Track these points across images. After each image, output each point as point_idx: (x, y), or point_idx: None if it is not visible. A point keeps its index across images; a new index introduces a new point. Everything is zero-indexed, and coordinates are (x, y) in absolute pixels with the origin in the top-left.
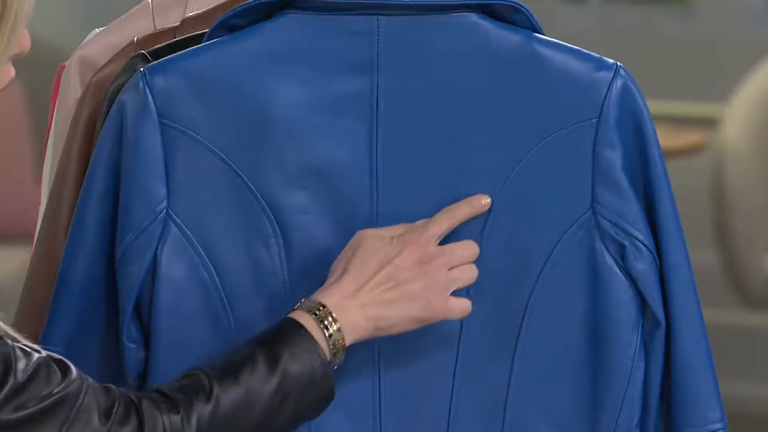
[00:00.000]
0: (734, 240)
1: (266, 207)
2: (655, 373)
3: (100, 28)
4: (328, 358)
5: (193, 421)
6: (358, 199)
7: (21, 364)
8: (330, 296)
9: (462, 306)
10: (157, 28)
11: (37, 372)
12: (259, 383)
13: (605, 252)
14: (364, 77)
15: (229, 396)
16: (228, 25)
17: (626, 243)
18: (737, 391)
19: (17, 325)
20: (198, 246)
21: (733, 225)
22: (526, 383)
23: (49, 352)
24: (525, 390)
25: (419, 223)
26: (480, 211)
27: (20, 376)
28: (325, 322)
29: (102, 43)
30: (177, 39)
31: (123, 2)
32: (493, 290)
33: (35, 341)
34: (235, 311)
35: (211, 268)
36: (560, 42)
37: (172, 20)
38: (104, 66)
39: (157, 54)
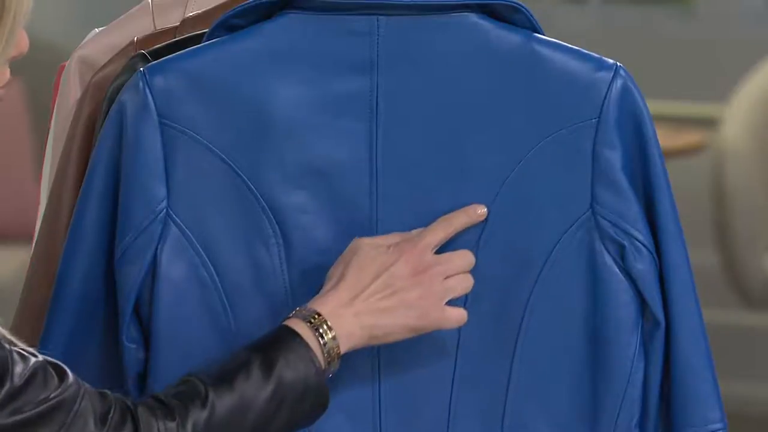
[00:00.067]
0: (734, 240)
1: (266, 207)
2: (654, 373)
3: (100, 28)
4: (323, 366)
5: (189, 427)
6: (358, 199)
7: (18, 368)
8: (325, 304)
9: (457, 315)
10: (157, 28)
11: (34, 376)
12: (254, 390)
13: (605, 252)
14: (364, 77)
15: (224, 402)
16: (228, 25)
17: (626, 243)
18: (737, 391)
19: (17, 325)
20: (198, 246)
21: (733, 225)
22: (526, 383)
23: (46, 357)
24: (524, 390)
25: (415, 232)
26: (476, 221)
27: (17, 381)
28: (320, 330)
29: (102, 43)
30: (177, 39)
31: (123, 2)
32: (493, 290)
33: (35, 341)
34: (235, 311)
35: (211, 268)
36: (560, 42)
37: (172, 20)
38: (104, 66)
39: (157, 54)
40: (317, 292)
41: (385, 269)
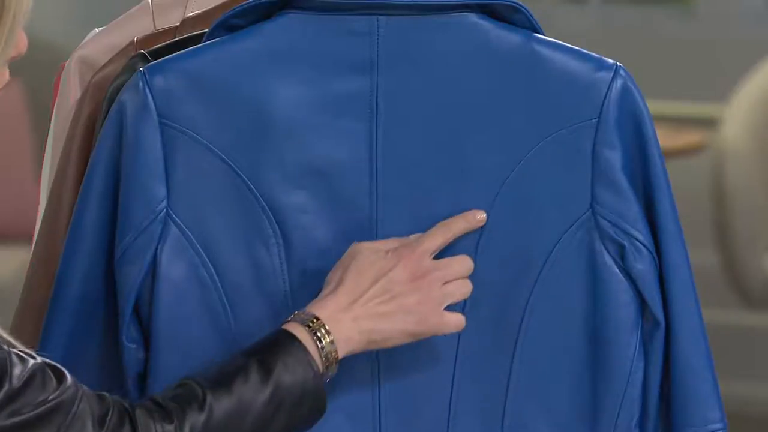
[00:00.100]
0: (734, 240)
1: (266, 207)
2: (654, 373)
3: (100, 28)
4: (321, 370)
5: (186, 430)
6: (358, 199)
7: (17, 370)
8: (324, 309)
9: (456, 320)
10: (157, 28)
11: (32, 378)
12: (252, 393)
13: (605, 252)
14: (363, 77)
15: (222, 405)
16: (227, 25)
17: (626, 243)
18: (737, 391)
19: (17, 326)
20: (198, 246)
21: (733, 225)
22: (526, 383)
23: (45, 359)
24: (524, 390)
25: (414, 237)
26: (475, 227)
27: (15, 382)
28: (318, 334)
29: (102, 43)
30: (177, 39)
31: (123, 2)
32: (493, 290)
33: (35, 341)
34: (235, 311)
35: (211, 268)
36: (560, 42)
37: (172, 20)
38: (104, 66)
39: (157, 54)
40: (317, 292)
41: (383, 274)
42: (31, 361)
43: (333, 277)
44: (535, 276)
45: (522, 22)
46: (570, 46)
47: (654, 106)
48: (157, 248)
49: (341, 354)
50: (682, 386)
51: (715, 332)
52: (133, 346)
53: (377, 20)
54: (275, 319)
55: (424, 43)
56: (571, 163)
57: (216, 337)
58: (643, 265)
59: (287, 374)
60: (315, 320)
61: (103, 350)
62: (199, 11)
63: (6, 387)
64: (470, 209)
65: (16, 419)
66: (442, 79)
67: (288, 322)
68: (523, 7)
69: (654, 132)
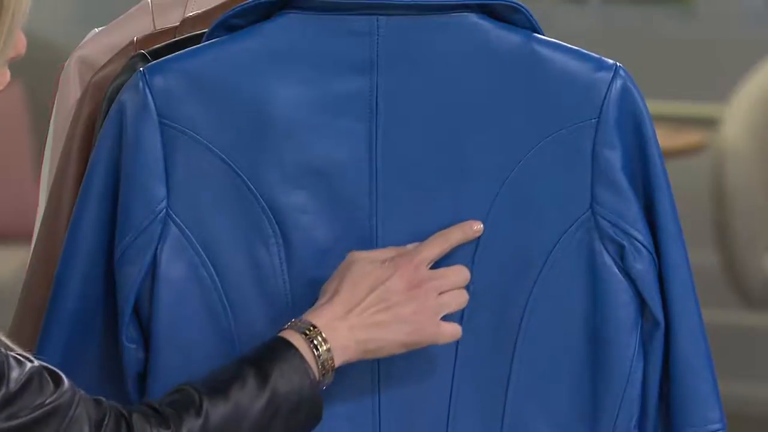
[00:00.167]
0: (734, 240)
1: (266, 207)
2: (654, 373)
3: (100, 28)
4: (318, 378)
5: None
6: (358, 199)
7: (14, 374)
8: (320, 317)
9: (452, 330)
10: (157, 28)
11: (29, 381)
12: (248, 399)
13: (604, 252)
14: (363, 77)
15: (218, 411)
16: (227, 25)
17: (625, 243)
18: (737, 391)
19: (17, 326)
20: (198, 246)
21: (733, 225)
22: (526, 383)
23: (42, 362)
24: (524, 390)
25: (411, 246)
26: (472, 237)
27: (13, 386)
28: (315, 342)
29: (101, 43)
30: (176, 39)
31: (123, 2)
32: (492, 290)
33: (35, 342)
34: (235, 311)
35: (211, 268)
36: (560, 42)
37: (172, 20)
38: (104, 66)
39: (156, 54)
40: (317, 292)
41: (380, 283)
42: (29, 365)
43: (329, 286)
44: (535, 276)
45: (522, 22)
46: (570, 46)
47: (654, 106)
48: (156, 248)
49: (337, 362)
50: (681, 386)
51: (715, 332)
52: (133, 346)
53: (377, 20)
54: (275, 319)
55: (424, 43)
56: (571, 163)
57: (216, 337)
58: (642, 265)
59: (284, 381)
60: (312, 328)
61: (102, 350)
62: (199, 11)
63: (3, 390)
64: (470, 209)
65: (13, 422)
66: (442, 79)
67: (285, 329)
68: (523, 7)
69: (654, 132)
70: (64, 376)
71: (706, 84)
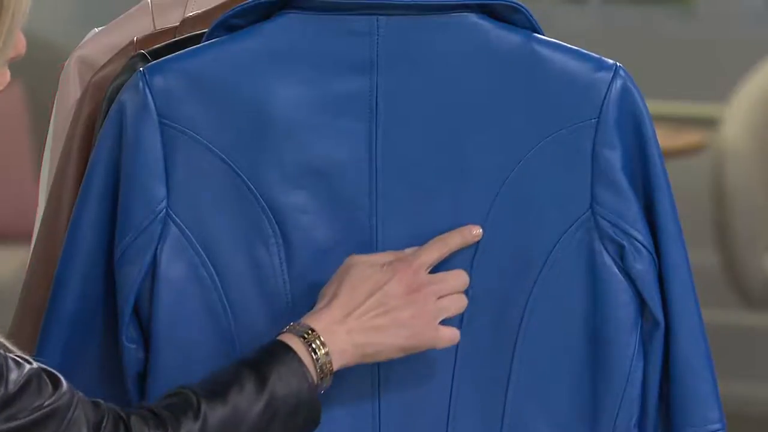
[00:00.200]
0: (734, 240)
1: (266, 207)
2: (653, 373)
3: (100, 28)
4: (316, 382)
5: None
6: (358, 199)
7: (13, 375)
8: (319, 321)
9: (450, 335)
10: (157, 28)
11: (28, 383)
12: (246, 403)
13: (604, 252)
14: (363, 77)
15: (216, 414)
16: (227, 25)
17: (625, 243)
18: (737, 391)
19: (16, 326)
20: (198, 246)
21: (733, 225)
22: (526, 383)
23: (41, 364)
24: (524, 390)
25: (410, 250)
26: (471, 242)
27: (11, 387)
28: (313, 346)
29: (101, 43)
30: (176, 39)
31: (123, 2)
32: (492, 290)
33: (34, 342)
34: (235, 311)
35: (211, 268)
36: (560, 42)
37: (172, 20)
38: (104, 66)
39: (156, 54)
40: (317, 292)
41: (378, 288)
42: (27, 366)
43: (328, 289)
44: (535, 276)
45: (522, 22)
46: (570, 46)
47: (654, 106)
48: (156, 248)
49: (335, 366)
50: (681, 386)
51: (715, 332)
52: (133, 346)
53: (377, 20)
54: (275, 319)
55: (424, 43)
56: (570, 163)
57: (216, 337)
58: (642, 265)
59: (282, 385)
60: (310, 332)
61: (102, 350)
62: (199, 11)
63: (2, 392)
64: (470, 209)
65: (12, 424)
66: (442, 79)
67: (283, 333)
68: (523, 7)
69: (654, 132)
70: (62, 379)
71: (706, 84)
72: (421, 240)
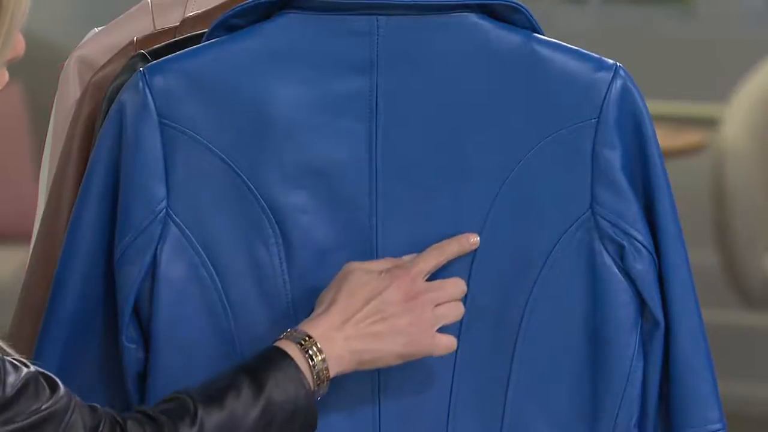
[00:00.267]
0: (734, 240)
1: (266, 207)
2: (653, 373)
3: (100, 28)
4: (313, 388)
5: None
6: (358, 199)
7: (10, 379)
8: (316, 327)
9: (447, 342)
10: (157, 28)
11: (26, 387)
12: (243, 408)
13: (604, 252)
14: (363, 77)
15: (213, 420)
16: (227, 25)
17: (625, 243)
18: (737, 391)
19: (16, 327)
20: (198, 246)
21: (733, 225)
22: (526, 383)
23: (38, 368)
24: (524, 390)
25: (408, 258)
26: (468, 250)
27: (9, 390)
28: (310, 352)
29: (101, 43)
30: (177, 39)
31: (123, 2)
32: (492, 290)
33: (33, 343)
34: (235, 311)
35: (211, 268)
36: (560, 42)
37: (172, 20)
38: (103, 66)
39: (156, 54)
40: (317, 293)
41: (376, 294)
42: (25, 370)
43: (326, 296)
44: (535, 276)
45: (522, 22)
46: (570, 46)
47: (654, 106)
48: (156, 248)
49: (333, 373)
50: (681, 386)
51: (715, 332)
52: (133, 346)
53: (377, 20)
54: (275, 319)
55: (424, 43)
56: (570, 163)
57: (216, 337)
58: (642, 265)
59: (279, 391)
60: (307, 338)
61: (102, 350)
62: (199, 11)
63: None
64: (470, 209)
65: (9, 428)
66: (441, 79)
67: (280, 339)
68: (523, 7)
69: (654, 132)
70: (60, 382)
71: (706, 84)
72: (420, 240)
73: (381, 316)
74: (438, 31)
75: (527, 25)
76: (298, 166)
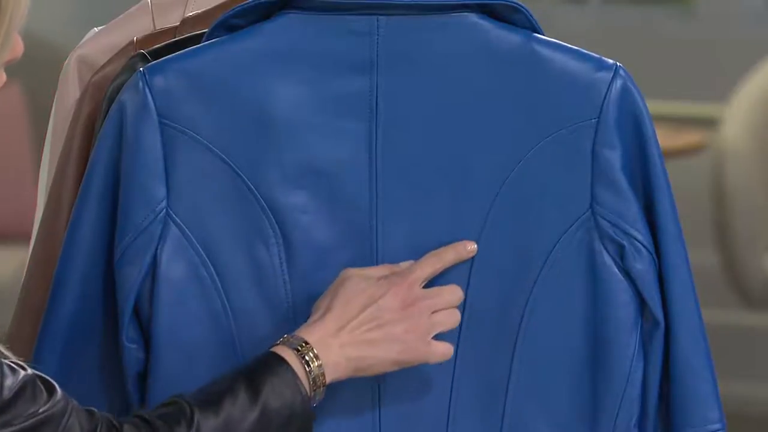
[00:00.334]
0: (734, 240)
1: (266, 207)
2: (653, 373)
3: (99, 28)
4: (309, 394)
5: None
6: (358, 199)
7: (8, 382)
8: (313, 333)
9: (443, 350)
10: (157, 27)
11: (23, 390)
12: (239, 414)
13: (604, 252)
14: (363, 77)
15: (209, 424)
16: (227, 25)
17: (625, 243)
18: (737, 391)
19: (15, 327)
20: (198, 246)
21: (733, 225)
22: (526, 383)
23: (35, 371)
24: (524, 390)
25: (405, 264)
26: (465, 257)
27: (6, 394)
28: (307, 358)
29: (101, 43)
30: (177, 39)
31: (123, 2)
32: (492, 290)
33: (33, 343)
34: (235, 311)
35: (211, 268)
36: (560, 42)
37: (172, 20)
38: (103, 66)
39: (156, 54)
40: (317, 293)
41: (373, 301)
42: (22, 373)
43: (322, 302)
44: (535, 276)
45: (522, 22)
46: (570, 46)
47: (654, 106)
48: (157, 248)
49: (329, 379)
50: (681, 386)
51: (715, 332)
52: (133, 346)
53: (377, 20)
54: (275, 319)
55: (424, 43)
56: (570, 163)
57: (216, 337)
58: (642, 265)
59: (275, 396)
60: (304, 344)
61: (102, 350)
62: (199, 11)
63: None
64: (470, 209)
65: (6, 431)
66: (442, 79)
67: (277, 345)
68: (523, 7)
69: (654, 132)
70: (57, 386)
71: (706, 84)
72: (420, 239)
73: (377, 323)
74: (438, 31)
75: (527, 25)
76: (298, 166)
